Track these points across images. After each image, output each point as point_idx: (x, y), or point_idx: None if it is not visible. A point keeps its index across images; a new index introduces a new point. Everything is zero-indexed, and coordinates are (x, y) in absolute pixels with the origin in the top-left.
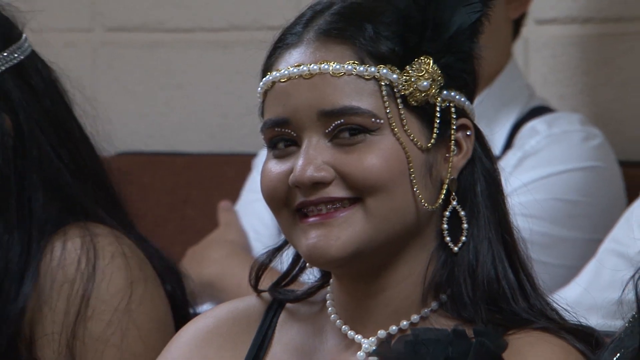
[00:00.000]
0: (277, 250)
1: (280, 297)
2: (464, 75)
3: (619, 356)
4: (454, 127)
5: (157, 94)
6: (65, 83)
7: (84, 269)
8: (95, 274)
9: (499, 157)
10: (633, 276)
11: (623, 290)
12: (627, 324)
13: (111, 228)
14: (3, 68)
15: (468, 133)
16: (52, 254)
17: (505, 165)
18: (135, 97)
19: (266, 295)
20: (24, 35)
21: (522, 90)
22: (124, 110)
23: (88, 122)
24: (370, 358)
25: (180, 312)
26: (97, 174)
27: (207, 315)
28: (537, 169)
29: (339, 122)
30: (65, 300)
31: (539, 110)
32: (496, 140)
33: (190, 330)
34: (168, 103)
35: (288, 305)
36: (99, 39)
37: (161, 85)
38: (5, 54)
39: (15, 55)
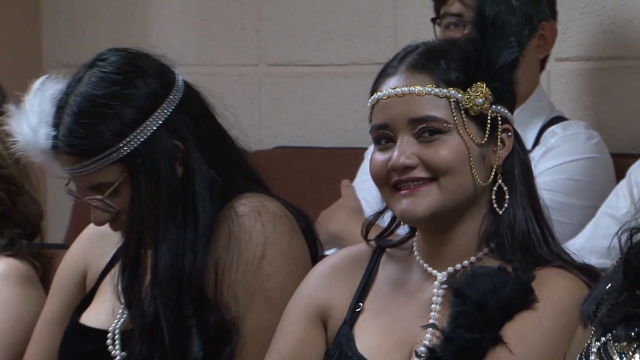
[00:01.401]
0: (380, 213)
1: (383, 245)
2: (507, 95)
3: (610, 285)
4: (500, 130)
5: (303, 108)
6: (223, 99)
7: (257, 226)
8: (264, 228)
9: (530, 151)
10: (617, 232)
11: (612, 241)
12: (615, 263)
13: (267, 196)
14: (171, 109)
15: (509, 134)
16: (231, 217)
17: (534, 156)
18: (286, 110)
19: (372, 243)
20: (177, 75)
21: (546, 106)
22: (280, 119)
23: (252, 127)
24: (442, 285)
25: (314, 253)
26: (243, 167)
27: (333, 256)
28: (556, 159)
29: (422, 126)
30: (244, 253)
31: (557, 119)
32: (528, 139)
33: (321, 266)
34: (311, 114)
35: (388, 250)
36: (263, 71)
37: (306, 102)
38: (170, 97)
39: (176, 95)
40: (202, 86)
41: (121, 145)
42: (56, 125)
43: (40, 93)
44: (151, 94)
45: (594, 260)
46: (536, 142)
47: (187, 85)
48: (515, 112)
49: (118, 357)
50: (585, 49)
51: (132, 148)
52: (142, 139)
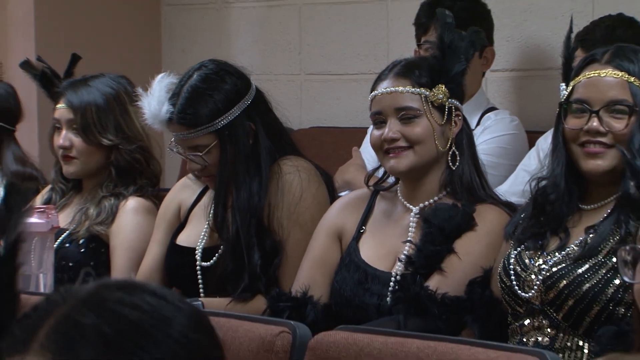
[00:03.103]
0: (376, 169)
1: (378, 189)
2: (458, 93)
3: (523, 215)
4: (454, 115)
5: (329, 101)
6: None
7: (296, 178)
8: (301, 179)
9: (473, 129)
10: (529, 180)
11: (525, 186)
12: (527, 201)
13: (303, 158)
14: (248, 102)
15: (460, 117)
16: (279, 172)
17: (476, 133)
18: (318, 103)
19: (371, 188)
20: (251, 80)
21: (484, 100)
22: (314, 109)
23: (295, 114)
24: (416, 215)
25: (332, 196)
26: (288, 139)
27: (346, 196)
28: (491, 134)
29: (403, 112)
30: (288, 196)
31: (491, 109)
32: (473, 122)
33: (338, 203)
34: (334, 105)
35: (381, 192)
36: (304, 78)
37: (330, 97)
38: (247, 94)
39: (251, 93)
40: (264, 88)
41: (215, 122)
42: (173, 105)
43: (160, 83)
44: (236, 90)
45: (513, 199)
46: (478, 123)
47: (257, 87)
48: (465, 104)
49: (199, 266)
50: (509, 64)
51: (222, 125)
52: (229, 119)
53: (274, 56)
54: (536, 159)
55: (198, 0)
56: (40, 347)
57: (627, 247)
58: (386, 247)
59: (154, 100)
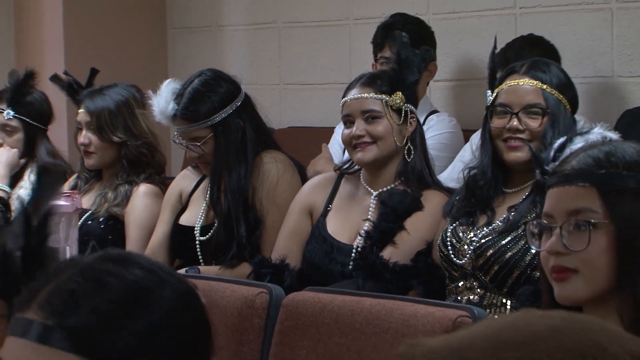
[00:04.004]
0: (346, 161)
1: (343, 172)
2: (412, 99)
3: (458, 197)
4: (409, 117)
5: (304, 106)
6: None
7: (274, 167)
8: (278, 168)
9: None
10: (462, 170)
11: (459, 174)
12: (461, 186)
13: (280, 152)
14: (238, 103)
15: (414, 119)
16: (261, 162)
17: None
18: (294, 108)
19: (337, 172)
20: (241, 86)
21: (429, 105)
22: (292, 112)
23: (275, 115)
24: (375, 198)
25: (304, 182)
26: (269, 136)
27: (315, 177)
28: (433, 132)
29: (367, 114)
30: (267, 182)
31: (434, 112)
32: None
33: (308, 184)
34: (319, 111)
35: (346, 175)
36: (283, 88)
37: (305, 104)
38: (238, 97)
39: (241, 97)
40: (250, 94)
41: (211, 118)
42: (177, 103)
43: (167, 87)
44: (229, 93)
45: (452, 185)
46: (423, 123)
47: (245, 93)
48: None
49: (198, 241)
50: (449, 75)
51: (217, 120)
52: (223, 117)
53: (258, 69)
54: (470, 151)
55: (197, 24)
56: (38, 307)
57: (534, 222)
58: (349, 223)
59: (162, 100)
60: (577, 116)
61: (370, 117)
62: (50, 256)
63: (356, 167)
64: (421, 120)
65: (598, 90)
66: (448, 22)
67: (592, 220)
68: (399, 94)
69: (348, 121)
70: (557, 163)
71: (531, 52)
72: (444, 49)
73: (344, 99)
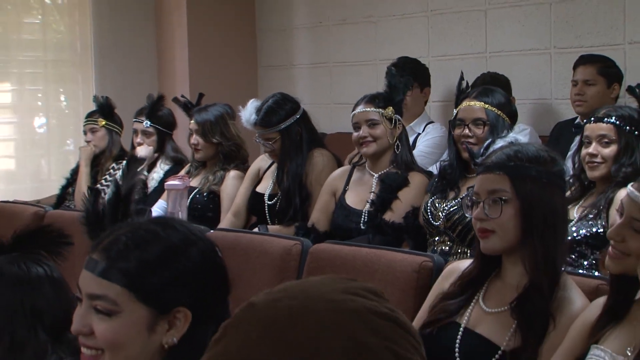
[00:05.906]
0: (355, 154)
1: (355, 164)
2: (399, 112)
3: (437, 179)
4: (398, 124)
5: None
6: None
7: (320, 160)
8: (323, 161)
9: (420, 134)
10: (436, 163)
11: (441, 165)
12: (439, 172)
13: (326, 149)
14: (298, 115)
15: (401, 125)
16: (312, 156)
17: (422, 135)
18: (344, 121)
19: (351, 164)
20: (301, 104)
21: (427, 118)
22: (339, 122)
23: (325, 124)
24: (377, 178)
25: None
26: (318, 137)
27: (337, 170)
28: (428, 136)
29: (370, 122)
30: (315, 169)
31: (430, 122)
32: (419, 130)
33: (332, 175)
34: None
35: (357, 166)
36: (334, 107)
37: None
38: (298, 110)
39: (300, 110)
40: (308, 110)
41: (279, 125)
42: (257, 114)
43: (251, 104)
44: (292, 108)
45: (435, 171)
46: (423, 130)
47: (303, 109)
48: (416, 120)
49: (267, 204)
50: (440, 97)
51: (282, 127)
52: (287, 125)
53: (316, 93)
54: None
55: (277, 63)
56: (100, 250)
57: (468, 197)
58: (360, 196)
59: (247, 113)
60: (524, 125)
61: (372, 123)
62: (129, 215)
63: (362, 161)
64: (421, 128)
65: (542, 108)
66: (442, 62)
67: (504, 198)
68: (390, 107)
69: (356, 127)
70: (484, 157)
71: (491, 83)
72: (436, 80)
73: (353, 112)
